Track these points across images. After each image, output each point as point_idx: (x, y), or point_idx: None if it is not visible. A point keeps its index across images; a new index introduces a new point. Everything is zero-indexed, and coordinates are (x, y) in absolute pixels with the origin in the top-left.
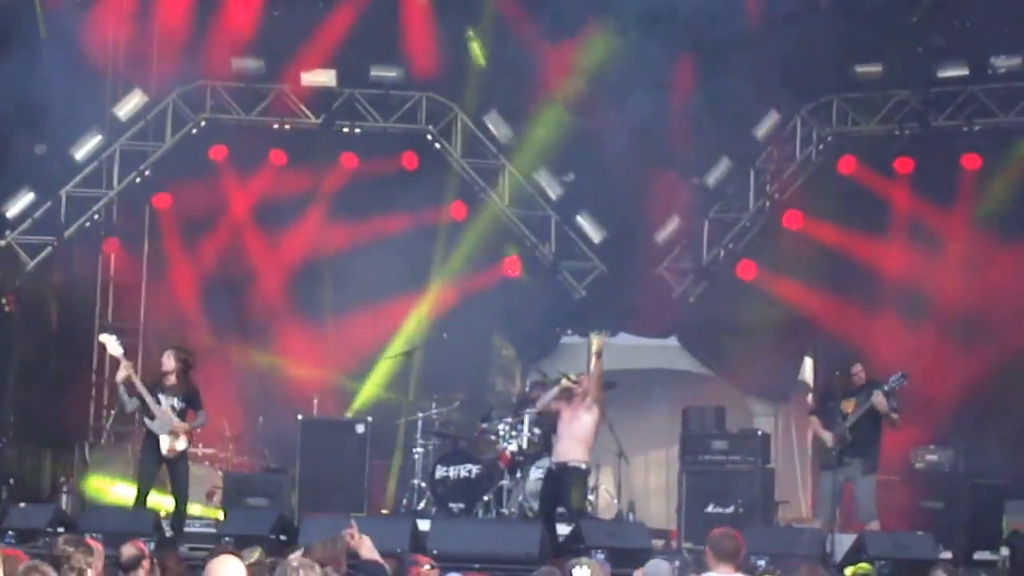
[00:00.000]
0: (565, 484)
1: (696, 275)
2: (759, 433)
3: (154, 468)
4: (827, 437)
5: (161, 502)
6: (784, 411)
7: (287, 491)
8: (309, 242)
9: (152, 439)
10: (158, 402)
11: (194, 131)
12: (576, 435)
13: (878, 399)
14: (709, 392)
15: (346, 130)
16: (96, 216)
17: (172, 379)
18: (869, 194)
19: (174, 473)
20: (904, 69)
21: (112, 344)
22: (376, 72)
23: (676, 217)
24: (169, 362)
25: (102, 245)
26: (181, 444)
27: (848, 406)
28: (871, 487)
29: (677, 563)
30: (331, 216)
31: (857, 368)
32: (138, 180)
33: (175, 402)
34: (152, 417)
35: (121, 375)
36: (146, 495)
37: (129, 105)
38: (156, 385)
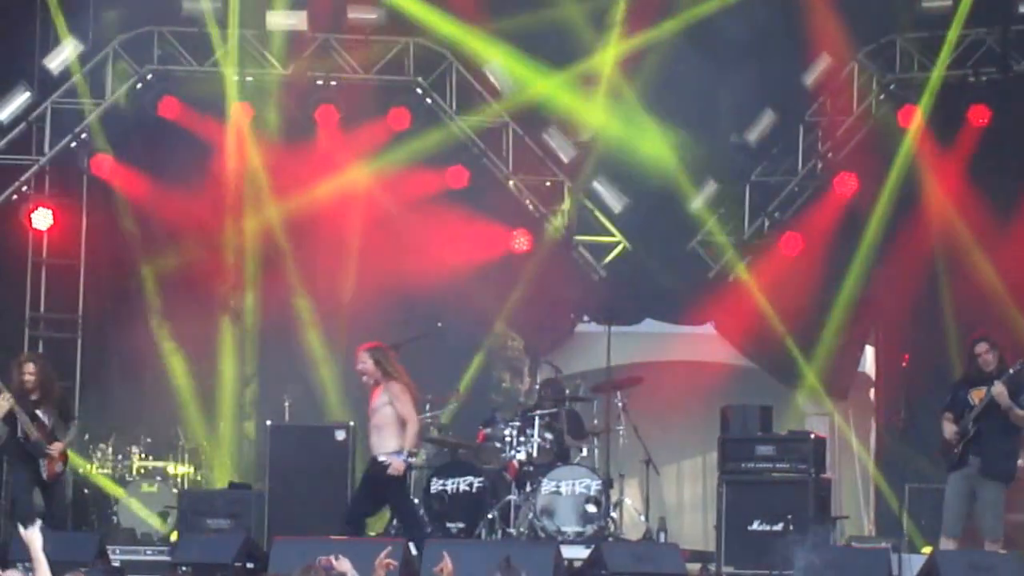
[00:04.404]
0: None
1: (736, 250)
2: (812, 436)
3: (31, 492)
4: (949, 431)
5: None
6: (842, 410)
7: (254, 510)
8: (282, 214)
9: (27, 462)
10: (37, 420)
11: (139, 86)
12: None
13: (998, 390)
14: (752, 388)
15: (320, 82)
16: (25, 188)
17: (38, 393)
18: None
19: (53, 498)
20: (980, 3)
21: None
22: (355, 14)
23: (712, 181)
24: (31, 375)
25: (32, 221)
26: (60, 466)
27: (978, 395)
28: (994, 497)
29: None
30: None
31: (981, 348)
32: (74, 144)
33: (47, 419)
34: (29, 440)
35: (3, 408)
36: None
37: (62, 56)
38: (28, 402)
